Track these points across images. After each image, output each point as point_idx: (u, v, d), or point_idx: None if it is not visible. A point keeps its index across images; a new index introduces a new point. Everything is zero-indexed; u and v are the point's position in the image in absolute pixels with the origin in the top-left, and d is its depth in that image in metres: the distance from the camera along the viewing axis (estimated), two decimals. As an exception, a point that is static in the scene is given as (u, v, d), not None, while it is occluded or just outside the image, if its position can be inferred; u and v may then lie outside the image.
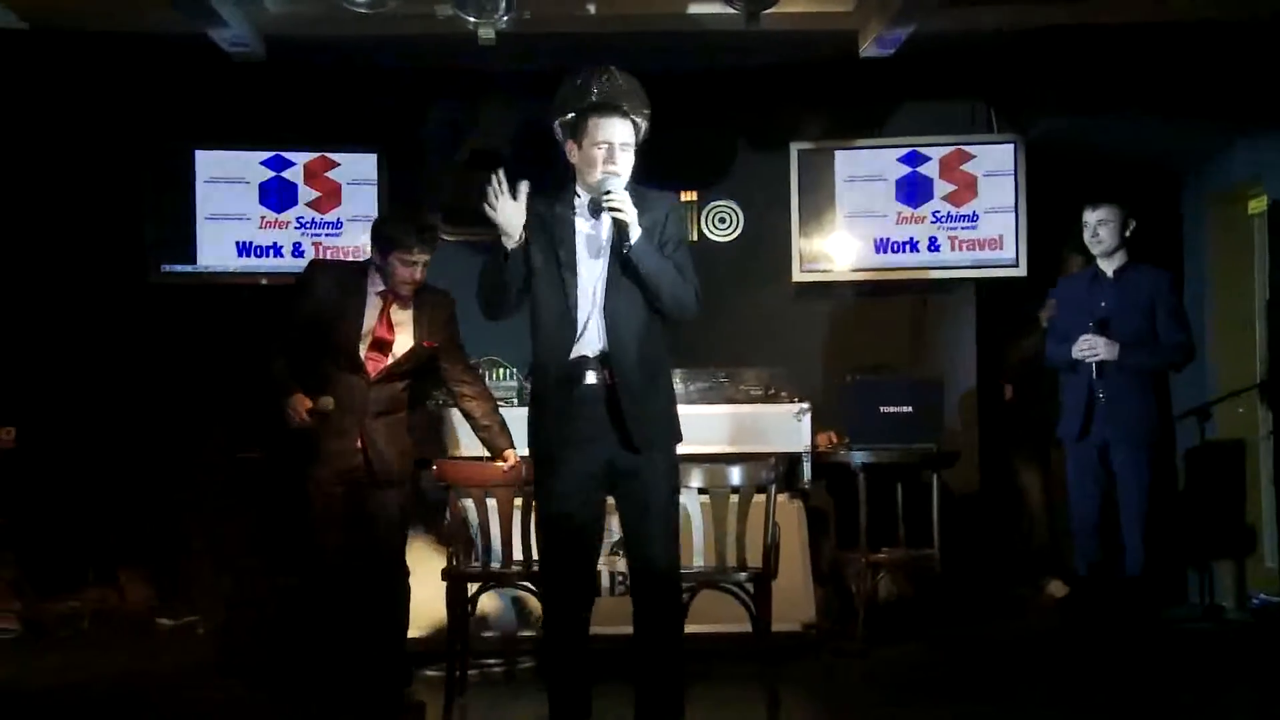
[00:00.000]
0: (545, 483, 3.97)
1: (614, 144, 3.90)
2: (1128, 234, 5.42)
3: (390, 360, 4.78)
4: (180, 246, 6.79)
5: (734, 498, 4.74)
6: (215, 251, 6.83)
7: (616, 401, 3.86)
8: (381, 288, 4.78)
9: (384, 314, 4.77)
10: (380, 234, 4.80)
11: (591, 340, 3.90)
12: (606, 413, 3.87)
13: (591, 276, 3.92)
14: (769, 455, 5.05)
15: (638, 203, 3.91)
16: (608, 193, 3.82)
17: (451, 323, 4.94)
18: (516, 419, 5.32)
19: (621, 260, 3.87)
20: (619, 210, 3.82)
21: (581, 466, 3.90)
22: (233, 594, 5.74)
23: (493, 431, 4.96)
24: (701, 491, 4.75)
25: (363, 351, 4.75)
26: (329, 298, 4.76)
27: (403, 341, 4.80)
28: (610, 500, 4.00)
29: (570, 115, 4.09)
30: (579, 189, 3.98)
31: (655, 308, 3.92)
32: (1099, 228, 5.42)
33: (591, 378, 3.88)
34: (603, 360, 3.88)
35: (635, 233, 3.84)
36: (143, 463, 6.67)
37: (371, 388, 4.74)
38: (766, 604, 4.61)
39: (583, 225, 3.95)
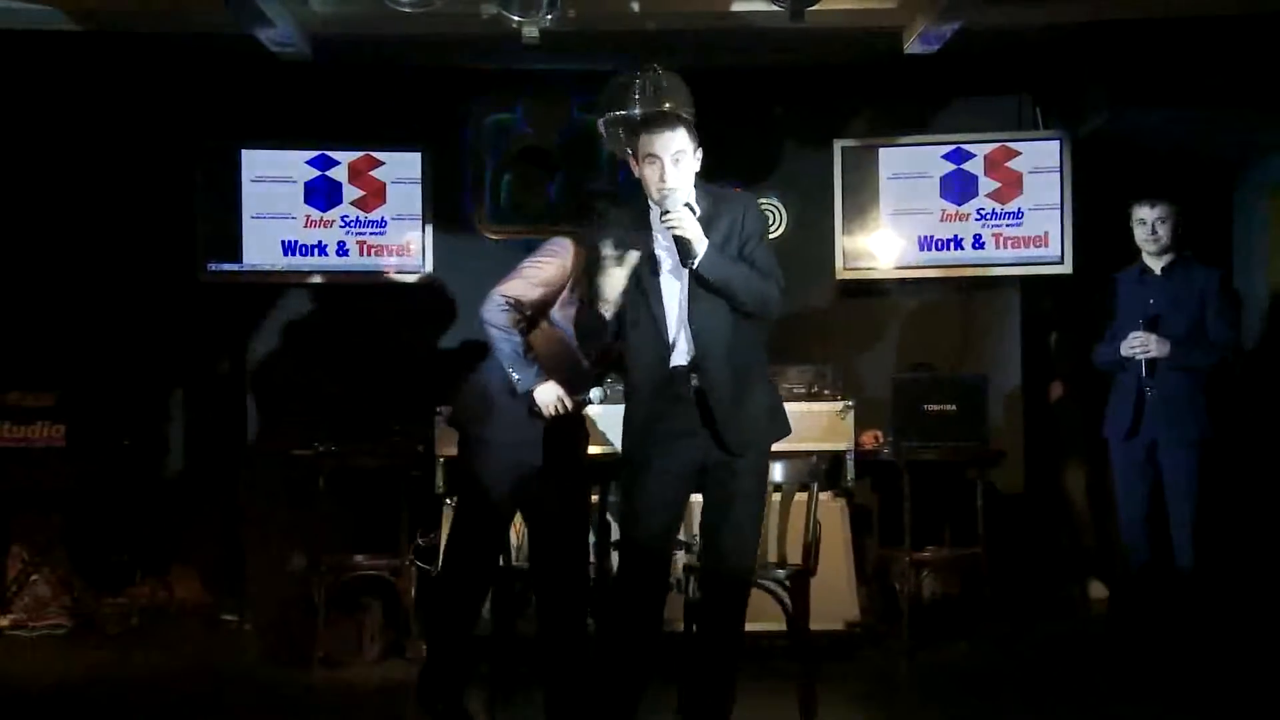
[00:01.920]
0: (633, 482, 4.00)
1: (664, 158, 3.91)
2: (1180, 230, 5.37)
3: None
4: (227, 245, 6.83)
5: (776, 495, 4.73)
6: (261, 250, 6.86)
7: (709, 407, 3.89)
8: None
9: None
10: (609, 216, 4.48)
11: (681, 351, 3.94)
12: (699, 418, 3.91)
13: (674, 289, 3.95)
14: (811, 453, 5.04)
15: (713, 204, 3.94)
16: (666, 213, 3.85)
17: None
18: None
19: (695, 273, 3.88)
20: (678, 229, 3.84)
21: (671, 467, 3.93)
22: (284, 591, 5.78)
23: None
24: (744, 489, 4.74)
25: None
26: (580, 279, 4.44)
27: None
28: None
29: (618, 114, 4.09)
30: (651, 203, 3.99)
31: (739, 311, 3.93)
32: (1157, 224, 5.37)
33: (684, 386, 3.92)
34: (693, 368, 3.92)
35: (700, 247, 3.85)
36: (192, 460, 6.73)
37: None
38: (804, 601, 4.60)
39: (661, 240, 3.97)
